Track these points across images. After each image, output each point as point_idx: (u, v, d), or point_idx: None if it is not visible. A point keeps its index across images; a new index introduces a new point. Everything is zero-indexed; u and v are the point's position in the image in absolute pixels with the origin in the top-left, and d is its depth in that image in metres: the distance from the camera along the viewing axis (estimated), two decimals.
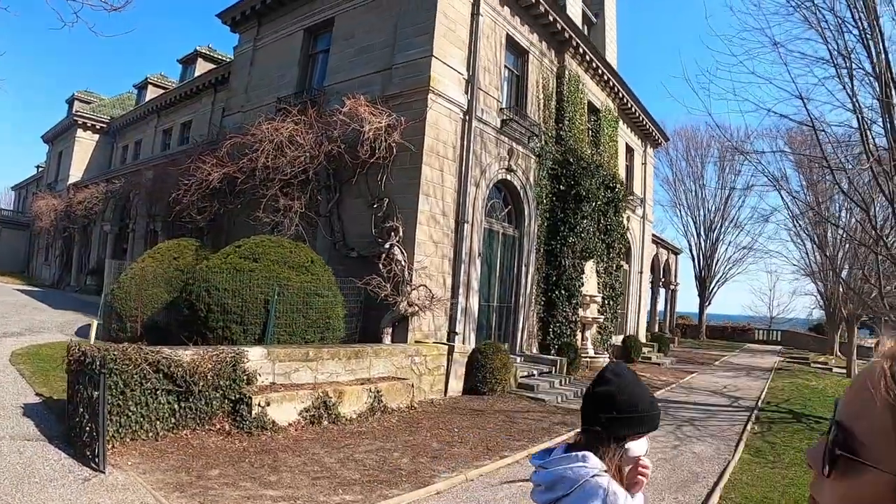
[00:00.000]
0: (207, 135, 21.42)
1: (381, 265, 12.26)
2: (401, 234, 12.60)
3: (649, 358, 23.64)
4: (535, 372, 15.15)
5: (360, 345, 10.90)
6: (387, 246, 12.46)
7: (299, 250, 10.88)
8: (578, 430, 2.11)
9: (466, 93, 14.09)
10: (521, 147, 16.19)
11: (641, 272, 26.79)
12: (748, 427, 12.31)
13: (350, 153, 12.74)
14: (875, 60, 13.34)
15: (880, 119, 13.59)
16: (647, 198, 27.78)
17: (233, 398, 7.61)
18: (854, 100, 13.80)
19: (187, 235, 15.19)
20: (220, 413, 7.47)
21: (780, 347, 40.15)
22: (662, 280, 35.66)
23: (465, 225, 14.00)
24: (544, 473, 1.96)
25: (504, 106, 15.80)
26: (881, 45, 13.25)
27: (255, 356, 8.24)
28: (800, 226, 29.40)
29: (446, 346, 12.51)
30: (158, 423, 6.75)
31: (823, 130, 14.25)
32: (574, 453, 1.93)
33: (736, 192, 41.64)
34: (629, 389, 2.11)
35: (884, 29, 13.25)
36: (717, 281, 42.35)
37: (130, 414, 6.44)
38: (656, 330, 33.81)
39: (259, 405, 7.75)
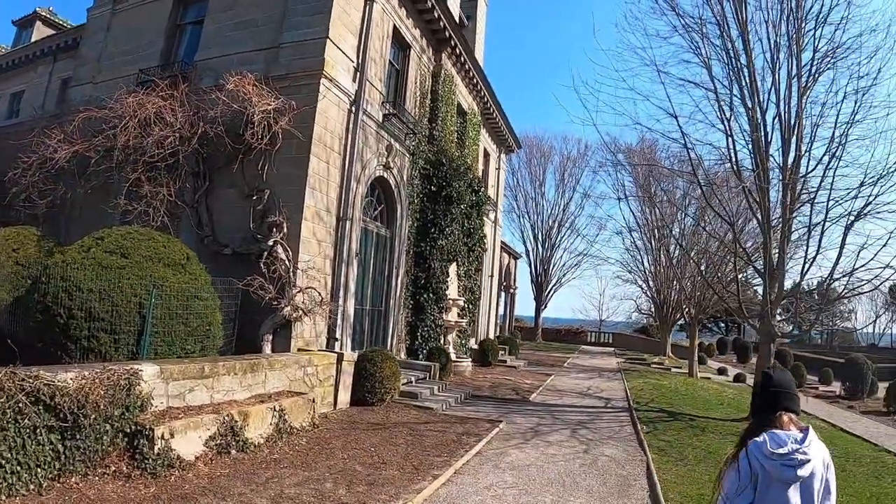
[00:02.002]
0: (43, 106, 18.12)
1: (262, 265, 10.87)
2: (285, 230, 11.29)
3: (504, 361, 23.93)
4: (412, 379, 14.47)
5: (253, 356, 9.47)
6: (269, 243, 11.08)
7: (173, 245, 9.20)
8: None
9: (355, 82, 13.08)
10: (398, 144, 15.46)
11: (492, 276, 27.14)
12: (639, 428, 12.60)
13: (231, 137, 11.18)
14: (746, 91, 14.33)
15: (747, 143, 14.62)
16: (498, 203, 28.21)
17: (128, 431, 6.05)
18: (728, 123, 14.78)
19: (21, 223, 12.44)
20: (115, 451, 5.89)
21: (612, 349, 42.99)
22: (504, 284, 36.56)
23: (347, 223, 12.98)
24: (807, 452, 2.88)
25: (386, 100, 14.95)
26: (753, 74, 14.23)
27: (147, 375, 6.67)
28: (647, 236, 31.59)
29: (335, 355, 11.38)
30: (40, 470, 5.06)
31: (693, 148, 15.07)
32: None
33: (574, 200, 44.12)
34: None
35: (755, 59, 14.29)
36: (553, 285, 44.48)
37: (3, 462, 4.75)
38: (498, 333, 34.58)
39: (162, 438, 6.25)
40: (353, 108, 13.00)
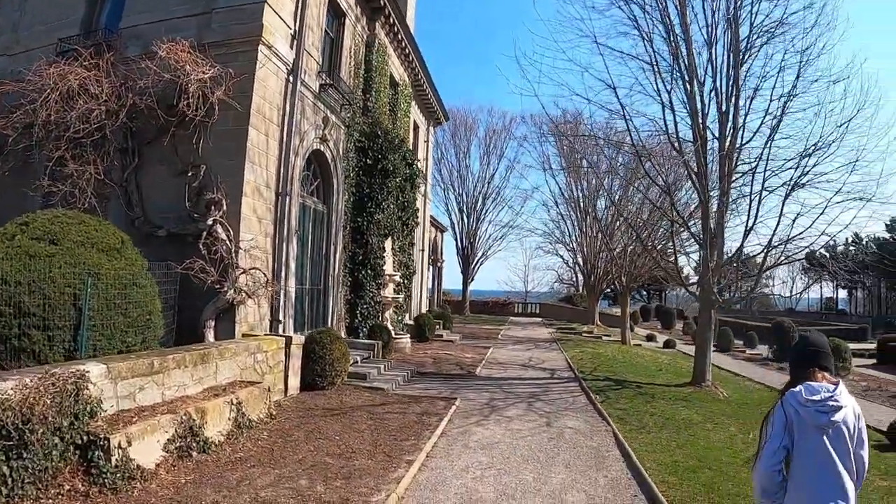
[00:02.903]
0: None
1: (201, 246, 9.93)
2: (224, 208, 10.36)
3: (441, 336, 23.66)
4: (357, 358, 13.90)
5: (202, 346, 8.62)
6: (208, 222, 10.15)
7: (106, 228, 8.16)
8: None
9: (293, 49, 12.16)
10: (334, 116, 14.61)
11: (423, 250, 26.66)
12: (594, 398, 12.58)
13: (163, 109, 10.07)
14: (683, 64, 14.33)
15: (686, 115, 14.70)
16: (427, 176, 27.62)
17: (80, 442, 5.23)
18: (669, 95, 14.80)
19: None
20: (68, 467, 5.07)
21: (540, 319, 43.38)
22: (432, 258, 36.16)
23: (286, 198, 12.15)
24: (839, 400, 3.15)
25: (322, 70, 14.05)
26: (690, 47, 14.23)
27: (95, 377, 5.82)
28: (572, 206, 31.85)
29: (283, 339, 10.65)
30: None
31: (631, 119, 15.05)
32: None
33: (499, 172, 44.05)
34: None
35: (693, 33, 14.30)
36: (480, 258, 44.36)
37: None
38: (429, 308, 34.26)
39: (119, 447, 5.46)
40: (291, 78, 12.08)
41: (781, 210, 13.59)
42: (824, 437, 3.17)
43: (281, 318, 12.01)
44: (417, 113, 24.94)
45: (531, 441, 9.16)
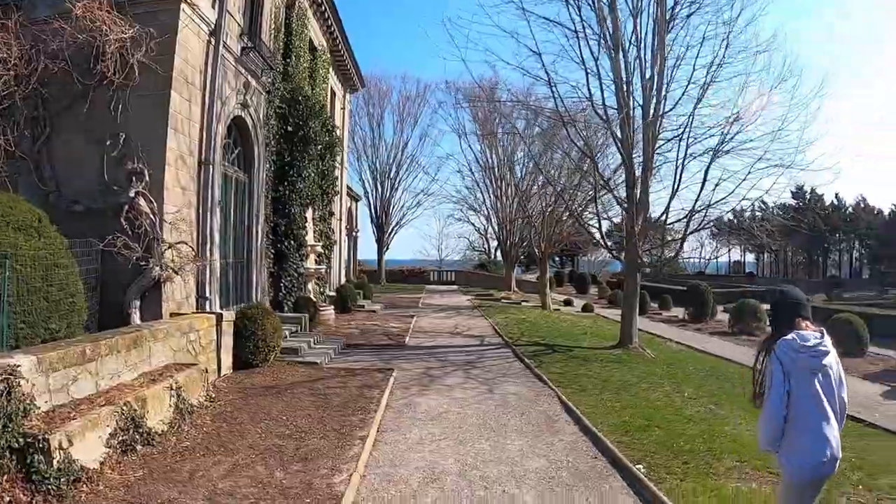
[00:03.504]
0: None
1: (123, 220, 9.07)
2: (146, 179, 9.49)
3: (363, 306, 23.28)
4: (286, 333, 13.36)
5: (134, 328, 7.90)
6: (130, 195, 9.27)
7: (20, 205, 7.23)
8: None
9: (214, 9, 11.23)
10: (255, 81, 13.73)
11: (341, 219, 25.98)
12: (529, 363, 12.72)
13: (79, 73, 9.02)
14: (609, 31, 14.39)
15: (611, 83, 14.84)
16: (343, 144, 26.77)
17: (17, 446, 4.59)
18: (597, 63, 14.86)
19: None
20: (5, 475, 4.44)
21: (456, 286, 43.39)
22: (347, 228, 35.33)
23: (210, 167, 11.37)
24: (827, 345, 3.56)
25: (243, 32, 13.11)
26: (615, 13, 14.30)
27: (25, 370, 5.14)
28: (488, 174, 31.79)
29: (213, 316, 10.01)
30: None
31: (556, 86, 15.07)
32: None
33: (413, 139, 43.40)
34: None
35: (618, 3, 14.39)
36: (394, 227, 43.73)
37: None
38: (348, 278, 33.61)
39: (60, 447, 4.86)
40: (213, 40, 11.16)
41: (705, 176, 14.11)
42: (815, 381, 3.54)
43: (207, 294, 11.30)
44: (335, 79, 23.97)
45: (478, 409, 9.12)
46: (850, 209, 69.23)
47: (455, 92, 35.59)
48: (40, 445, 4.72)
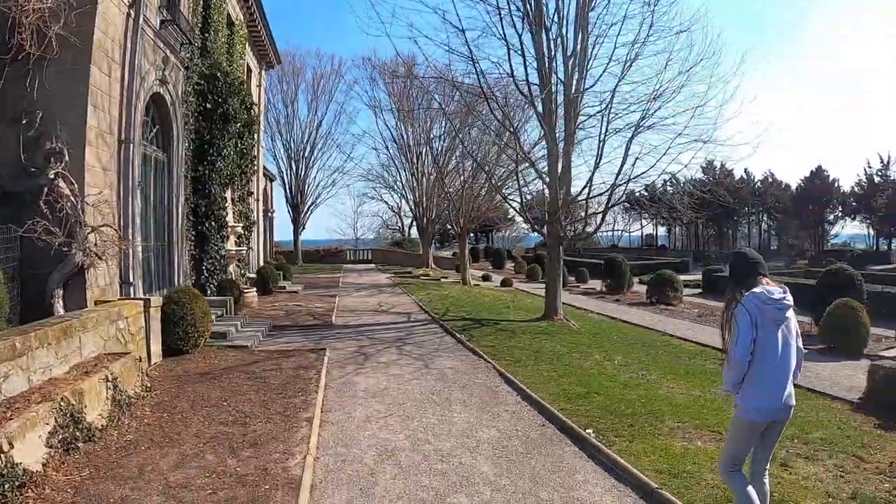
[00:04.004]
0: None
1: (43, 204, 8.38)
2: (66, 159, 8.80)
3: (284, 287, 22.77)
4: (212, 317, 12.92)
5: (62, 318, 7.33)
6: (50, 176, 8.59)
7: None
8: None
9: None
10: (173, 56, 12.99)
11: (259, 199, 25.18)
12: (461, 337, 12.87)
13: None
14: (531, 7, 14.55)
15: (535, 59, 15.05)
16: (260, 122, 25.83)
17: None
18: (521, 39, 14.98)
19: None
20: None
21: (373, 265, 42.89)
22: (264, 208, 34.19)
23: (130, 146, 10.72)
24: (790, 300, 3.92)
25: (162, 5, 12.35)
26: None
27: None
28: (404, 151, 31.42)
29: (141, 302, 9.51)
30: None
31: (478, 62, 15.18)
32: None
33: (328, 117, 42.32)
34: None
35: None
36: (310, 206, 42.60)
37: None
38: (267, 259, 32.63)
39: (1, 451, 4.49)
40: (133, 12, 10.42)
41: (626, 150, 14.61)
42: (778, 332, 3.91)
43: (131, 279, 10.71)
44: (251, 55, 23.00)
45: (418, 385, 9.21)
46: (758, 184, 71.94)
47: (372, 69, 35.04)
48: None
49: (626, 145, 14.71)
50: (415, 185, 34.53)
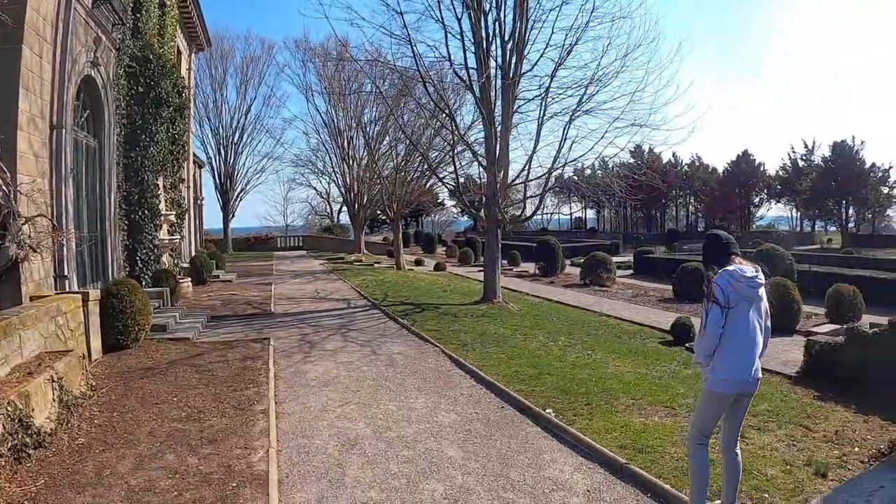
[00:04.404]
0: None
1: None
2: None
3: (217, 276, 22.03)
4: (151, 309, 12.37)
5: (1, 315, 6.83)
6: None
7: None
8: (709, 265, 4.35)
9: None
10: (105, 37, 12.22)
11: (189, 187, 24.21)
12: (405, 322, 12.90)
13: None
14: None
15: (473, 44, 15.13)
16: (189, 107, 24.73)
17: None
18: (460, 23, 14.95)
19: None
20: None
21: (304, 251, 41.86)
22: (194, 196, 32.81)
23: (63, 132, 10.08)
24: (762, 278, 4.13)
25: None
26: None
27: None
28: (334, 136, 30.81)
29: (79, 296, 9.00)
30: None
31: (416, 45, 15.21)
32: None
33: (258, 102, 40.98)
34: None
35: None
36: (239, 193, 41.05)
37: None
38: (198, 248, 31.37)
39: None
40: None
41: (564, 134, 14.90)
42: (750, 308, 4.11)
43: (66, 272, 10.12)
44: (181, 38, 21.95)
45: (369, 372, 9.17)
46: (686, 167, 73.83)
47: (304, 52, 34.18)
48: None
49: (563, 129, 15.03)
50: (346, 170, 34.06)
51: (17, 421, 5.25)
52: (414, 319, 13.30)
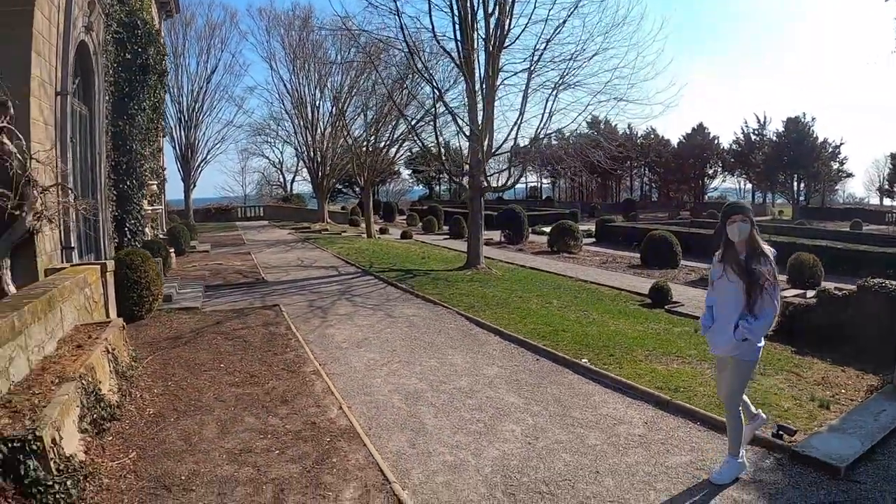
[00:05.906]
0: None
1: None
2: (11, 112, 7.55)
3: (195, 247, 21.22)
4: (162, 279, 11.86)
5: (40, 287, 6.28)
6: None
7: None
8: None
9: None
10: (97, 1, 11.44)
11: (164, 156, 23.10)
12: (403, 287, 12.87)
13: None
14: None
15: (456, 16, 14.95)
16: (167, 74, 23.37)
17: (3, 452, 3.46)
18: None
19: None
20: None
21: (267, 221, 40.48)
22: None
23: (66, 99, 9.41)
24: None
25: None
26: None
27: None
28: (297, 103, 29.76)
29: (98, 267, 8.51)
30: None
31: (402, 15, 14.98)
32: None
33: (219, 70, 39.03)
34: None
35: None
36: (200, 163, 39.10)
37: None
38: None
39: (54, 443, 3.83)
40: None
41: (546, 105, 14.96)
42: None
43: (72, 243, 9.55)
44: (153, 3, 20.70)
45: (393, 333, 9.12)
46: (640, 139, 72.89)
47: (267, 19, 32.81)
48: (34, 447, 3.62)
49: (545, 101, 15.13)
50: (310, 140, 33.11)
51: (92, 395, 4.95)
52: (411, 284, 13.15)
